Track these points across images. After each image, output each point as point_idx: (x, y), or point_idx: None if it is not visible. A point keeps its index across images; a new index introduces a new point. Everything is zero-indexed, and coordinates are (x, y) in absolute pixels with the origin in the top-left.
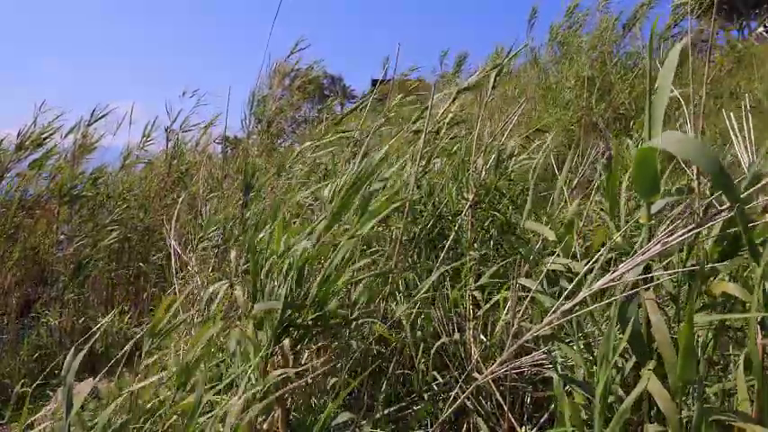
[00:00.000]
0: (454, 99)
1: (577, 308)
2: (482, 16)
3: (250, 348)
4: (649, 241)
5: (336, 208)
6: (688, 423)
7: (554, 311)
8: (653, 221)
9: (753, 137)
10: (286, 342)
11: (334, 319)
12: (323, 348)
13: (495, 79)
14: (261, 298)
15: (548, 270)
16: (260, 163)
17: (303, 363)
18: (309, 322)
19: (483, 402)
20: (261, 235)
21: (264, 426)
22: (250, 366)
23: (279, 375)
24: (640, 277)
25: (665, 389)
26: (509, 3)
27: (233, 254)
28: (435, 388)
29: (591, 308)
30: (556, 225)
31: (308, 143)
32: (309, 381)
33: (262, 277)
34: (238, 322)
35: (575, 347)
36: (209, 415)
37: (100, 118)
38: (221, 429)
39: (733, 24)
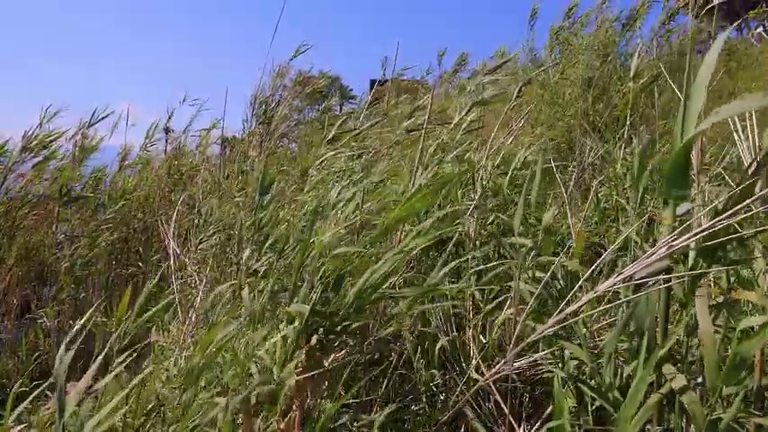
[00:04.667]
0: (469, 111)
1: (582, 309)
2: (483, 17)
3: (279, 344)
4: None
5: (391, 223)
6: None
7: (559, 312)
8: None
9: (756, 136)
10: (312, 342)
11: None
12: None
13: (520, 90)
14: (297, 298)
15: (548, 271)
16: (269, 165)
17: (327, 367)
18: (338, 328)
19: (482, 402)
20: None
21: (281, 425)
22: (274, 363)
23: (302, 376)
24: (650, 279)
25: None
26: (510, 4)
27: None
28: (434, 388)
29: (597, 310)
30: (540, 231)
31: (332, 153)
32: (326, 383)
33: (300, 277)
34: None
35: (582, 346)
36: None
37: (100, 119)
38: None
39: (731, 24)
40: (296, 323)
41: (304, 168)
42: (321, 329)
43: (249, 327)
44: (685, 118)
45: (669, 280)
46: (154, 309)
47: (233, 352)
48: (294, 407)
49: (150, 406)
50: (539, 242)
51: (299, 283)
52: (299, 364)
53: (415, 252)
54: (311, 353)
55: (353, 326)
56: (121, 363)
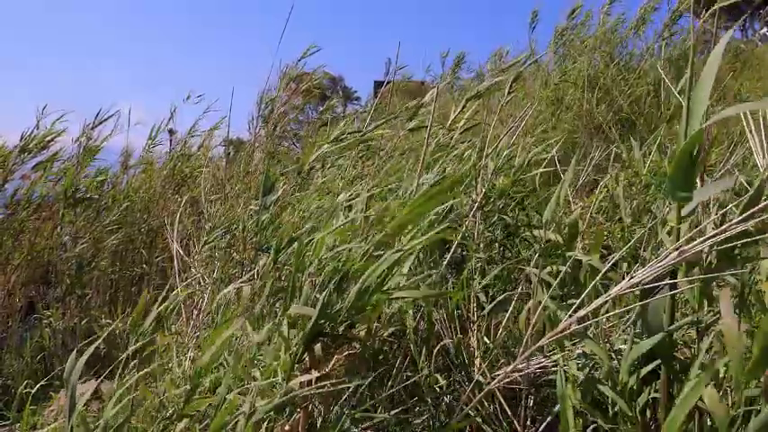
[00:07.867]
0: (464, 107)
1: (591, 313)
2: (482, 17)
3: (281, 347)
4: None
5: (400, 222)
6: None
7: (569, 316)
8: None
9: None
10: (317, 347)
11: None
12: (348, 356)
13: (511, 86)
14: (298, 300)
15: (556, 271)
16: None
17: (329, 369)
18: (340, 331)
19: (486, 405)
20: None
21: (287, 427)
22: (278, 365)
23: (305, 379)
24: (662, 284)
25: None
26: (510, 3)
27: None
28: (438, 390)
29: (608, 314)
30: (560, 228)
31: (328, 146)
32: (330, 386)
33: (301, 279)
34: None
35: (600, 345)
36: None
37: (106, 119)
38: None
39: (735, 23)
40: (299, 327)
41: (301, 165)
42: (324, 333)
43: (252, 327)
44: (689, 117)
45: (676, 285)
46: (167, 312)
47: (236, 354)
48: (298, 409)
49: (155, 407)
50: (564, 237)
51: (298, 285)
52: (305, 369)
53: (415, 252)
54: (313, 357)
55: (357, 328)
56: (132, 367)
